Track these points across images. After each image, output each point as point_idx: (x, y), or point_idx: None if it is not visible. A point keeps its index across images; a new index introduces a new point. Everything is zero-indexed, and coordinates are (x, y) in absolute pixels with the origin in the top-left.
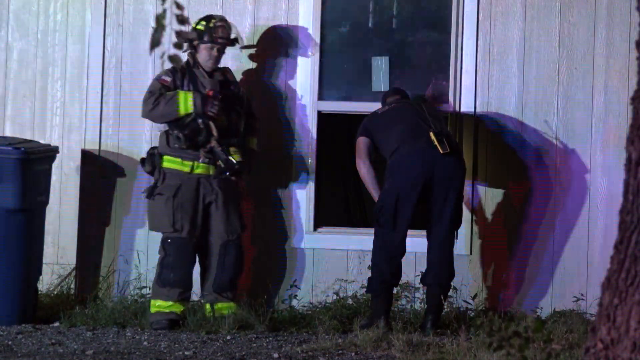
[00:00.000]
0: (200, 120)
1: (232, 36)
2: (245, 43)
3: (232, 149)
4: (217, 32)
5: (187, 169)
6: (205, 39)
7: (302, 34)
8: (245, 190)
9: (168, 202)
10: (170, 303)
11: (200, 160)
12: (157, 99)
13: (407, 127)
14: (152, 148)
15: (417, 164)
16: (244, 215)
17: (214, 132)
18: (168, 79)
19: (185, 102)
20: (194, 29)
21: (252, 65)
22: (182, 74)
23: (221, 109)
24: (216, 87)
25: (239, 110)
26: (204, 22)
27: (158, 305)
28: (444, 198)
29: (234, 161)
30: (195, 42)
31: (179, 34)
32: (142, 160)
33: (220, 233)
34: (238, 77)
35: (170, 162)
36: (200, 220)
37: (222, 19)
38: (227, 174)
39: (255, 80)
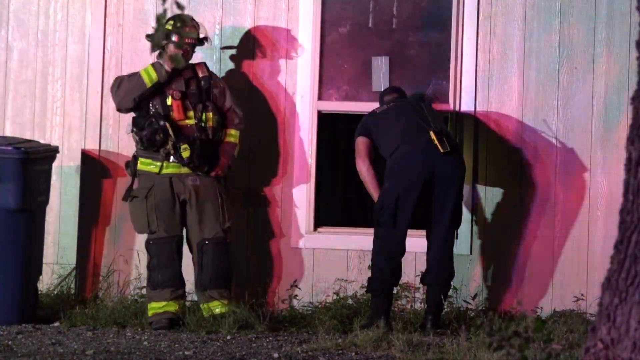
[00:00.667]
0: (161, 122)
1: (201, 35)
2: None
3: (182, 146)
4: (184, 31)
5: (156, 170)
6: (174, 39)
7: (302, 33)
8: (231, 186)
9: (142, 204)
10: (163, 303)
11: (171, 160)
12: (119, 81)
13: (406, 127)
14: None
15: (417, 163)
16: (226, 212)
17: (171, 133)
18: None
19: (148, 73)
20: (170, 29)
21: (252, 65)
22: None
23: (186, 107)
24: (181, 85)
25: (207, 105)
26: (171, 22)
27: (152, 307)
28: (443, 197)
29: (183, 158)
30: (164, 42)
31: (148, 35)
32: (127, 164)
33: (196, 232)
34: (238, 77)
35: (143, 164)
36: (179, 218)
37: (190, 19)
38: (198, 172)
39: (255, 80)
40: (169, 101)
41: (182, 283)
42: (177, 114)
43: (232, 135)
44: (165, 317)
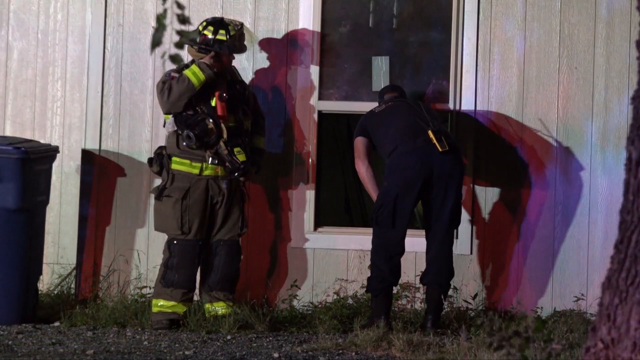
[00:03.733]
0: (210, 120)
1: (248, 43)
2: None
3: (236, 150)
4: (240, 42)
5: (196, 171)
6: (227, 51)
7: (303, 33)
8: (249, 191)
9: (177, 204)
10: (173, 303)
11: (210, 162)
12: (168, 85)
13: (405, 126)
14: (160, 148)
15: (416, 162)
16: (246, 217)
17: (224, 134)
18: (177, 74)
19: (194, 72)
20: (213, 37)
21: (252, 65)
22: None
23: (229, 110)
24: (223, 87)
25: (245, 109)
26: (223, 32)
27: (160, 305)
28: (442, 197)
29: (239, 161)
30: (217, 51)
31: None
32: (150, 160)
33: (213, 233)
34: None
35: (179, 164)
36: (207, 220)
37: (242, 26)
38: (236, 174)
39: (255, 80)
40: (213, 102)
41: (194, 287)
42: (221, 115)
43: (261, 141)
44: (169, 317)
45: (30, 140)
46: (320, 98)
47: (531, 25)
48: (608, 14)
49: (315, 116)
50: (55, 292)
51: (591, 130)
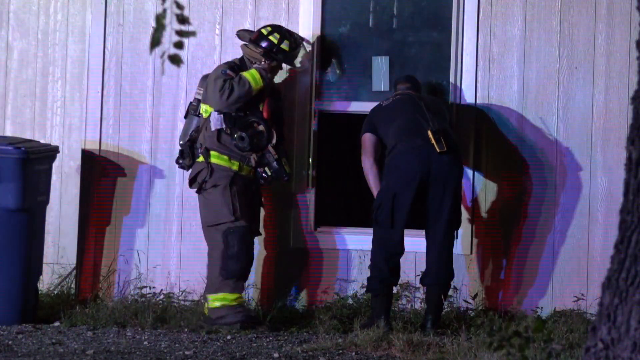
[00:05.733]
0: (261, 124)
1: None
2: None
3: (283, 160)
4: (295, 56)
5: (235, 167)
6: (287, 63)
7: (302, 33)
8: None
9: (225, 191)
10: (237, 295)
11: (252, 164)
12: (230, 85)
13: (404, 124)
14: (190, 141)
15: (413, 162)
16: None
17: (273, 139)
18: (232, 73)
19: (254, 77)
20: (278, 45)
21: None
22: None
23: (272, 119)
24: (269, 94)
25: (281, 118)
26: (287, 42)
27: (223, 297)
28: (441, 197)
29: (286, 172)
30: (277, 61)
31: (243, 31)
32: (181, 153)
33: None
34: None
35: (218, 158)
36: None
37: (302, 41)
38: (268, 181)
39: None
40: (261, 107)
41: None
42: (266, 123)
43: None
44: (242, 312)
45: (30, 140)
46: (320, 98)
47: (531, 25)
48: (608, 14)
49: (315, 116)
50: (55, 292)
51: (591, 130)
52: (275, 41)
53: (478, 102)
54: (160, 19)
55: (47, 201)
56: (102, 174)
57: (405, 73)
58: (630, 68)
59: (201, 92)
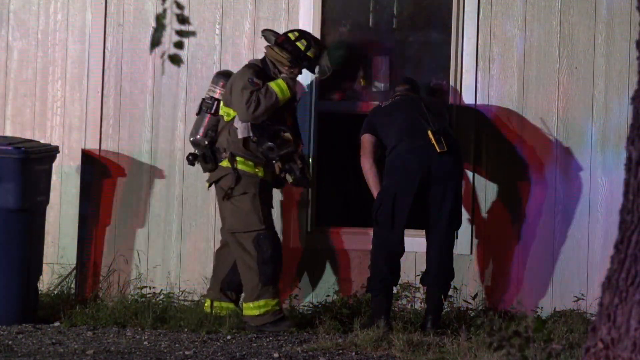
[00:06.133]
0: (287, 133)
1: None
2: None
3: (306, 168)
4: (319, 64)
5: (261, 174)
6: (310, 70)
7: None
8: None
9: (255, 199)
10: (277, 300)
11: (277, 171)
12: (256, 98)
13: (405, 124)
14: (210, 144)
15: (413, 162)
16: None
17: (300, 147)
18: (259, 81)
19: (281, 88)
20: (304, 52)
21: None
22: (263, 79)
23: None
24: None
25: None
26: (313, 50)
27: (265, 303)
28: (441, 197)
29: (308, 179)
30: (302, 68)
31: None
32: (204, 156)
33: None
34: None
35: (243, 165)
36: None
37: (326, 50)
38: (277, 186)
39: None
40: (285, 114)
41: None
42: (290, 130)
43: None
44: (284, 316)
45: (30, 140)
46: (319, 98)
47: (531, 25)
48: (608, 14)
49: (315, 116)
50: (55, 292)
51: (591, 130)
52: (302, 48)
53: (478, 102)
54: (160, 19)
55: (47, 201)
56: (102, 174)
57: (406, 73)
58: (630, 68)
59: (215, 89)
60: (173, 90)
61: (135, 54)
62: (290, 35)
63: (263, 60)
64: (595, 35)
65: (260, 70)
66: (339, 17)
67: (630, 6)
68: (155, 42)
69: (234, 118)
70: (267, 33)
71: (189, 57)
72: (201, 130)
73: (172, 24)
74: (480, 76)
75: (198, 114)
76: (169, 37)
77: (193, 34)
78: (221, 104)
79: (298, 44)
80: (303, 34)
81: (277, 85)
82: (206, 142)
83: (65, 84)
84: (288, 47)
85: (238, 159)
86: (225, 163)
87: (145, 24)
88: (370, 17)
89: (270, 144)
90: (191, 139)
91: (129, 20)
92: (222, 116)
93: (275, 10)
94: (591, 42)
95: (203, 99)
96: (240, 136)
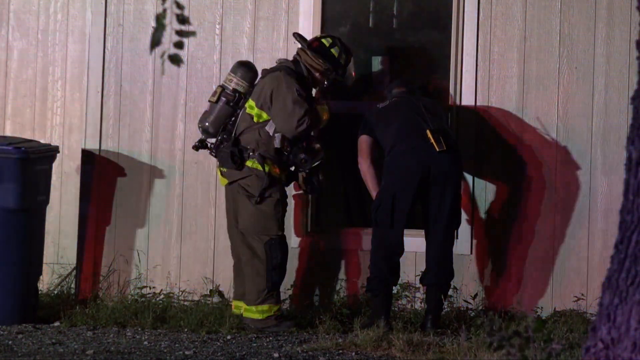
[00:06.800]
0: (318, 144)
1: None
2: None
3: (323, 178)
4: (349, 73)
5: (284, 179)
6: (340, 78)
7: (302, 33)
8: None
9: (277, 205)
10: (279, 305)
11: (301, 180)
12: (308, 120)
13: (403, 124)
14: (236, 142)
15: (412, 162)
16: None
17: (322, 157)
18: (304, 93)
19: (326, 113)
20: (337, 59)
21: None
22: (304, 86)
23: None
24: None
25: None
26: (344, 57)
27: (268, 308)
28: (441, 197)
29: (322, 189)
30: (331, 73)
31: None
32: (232, 155)
33: None
34: None
35: (273, 169)
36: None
37: (350, 53)
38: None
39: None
40: None
41: None
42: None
43: None
44: (284, 318)
45: (30, 140)
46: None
47: (531, 25)
48: (608, 14)
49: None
50: (55, 292)
51: (591, 130)
52: (336, 55)
53: (478, 102)
54: (160, 19)
55: (47, 201)
56: (102, 174)
57: (405, 73)
58: (630, 68)
59: (234, 79)
60: (173, 90)
61: (135, 54)
62: (324, 41)
63: (295, 62)
64: (595, 35)
65: (299, 77)
66: (339, 17)
67: (630, 6)
68: (155, 42)
69: (266, 121)
70: (297, 35)
71: (189, 57)
72: (211, 118)
73: (172, 24)
74: (480, 76)
75: (216, 102)
76: (169, 37)
77: (193, 34)
78: (250, 102)
79: (332, 50)
80: (334, 40)
81: (324, 110)
82: (229, 136)
83: (65, 84)
84: (324, 53)
85: (268, 162)
86: (250, 163)
87: (145, 24)
88: (370, 17)
89: (303, 156)
90: (199, 125)
91: (129, 20)
92: (250, 115)
93: (275, 10)
94: (591, 42)
95: (222, 87)
96: (277, 146)
